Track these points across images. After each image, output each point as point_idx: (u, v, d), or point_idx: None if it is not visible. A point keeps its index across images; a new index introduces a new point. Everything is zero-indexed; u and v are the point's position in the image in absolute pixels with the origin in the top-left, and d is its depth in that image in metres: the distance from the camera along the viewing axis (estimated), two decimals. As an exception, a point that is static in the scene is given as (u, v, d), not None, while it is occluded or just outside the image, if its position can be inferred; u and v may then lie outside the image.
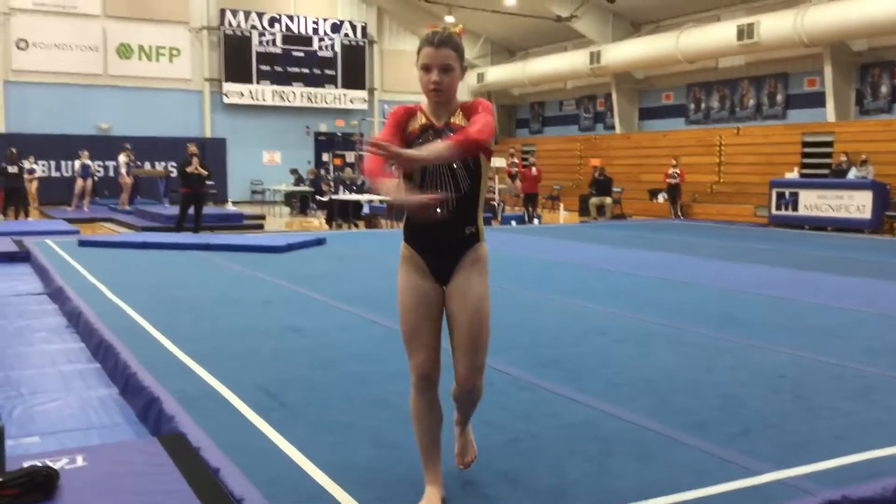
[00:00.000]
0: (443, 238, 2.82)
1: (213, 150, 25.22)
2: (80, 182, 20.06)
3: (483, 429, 3.46)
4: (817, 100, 19.35)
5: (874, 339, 5.57)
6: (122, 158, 20.48)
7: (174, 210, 16.09)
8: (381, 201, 18.79)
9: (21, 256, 10.31)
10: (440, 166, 2.75)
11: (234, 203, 23.55)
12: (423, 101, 2.89)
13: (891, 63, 18.06)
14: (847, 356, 5.02)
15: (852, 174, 17.12)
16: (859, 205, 16.11)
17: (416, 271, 2.87)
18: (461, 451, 3.08)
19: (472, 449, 3.10)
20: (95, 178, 21.73)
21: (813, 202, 16.93)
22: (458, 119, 2.81)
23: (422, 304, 2.85)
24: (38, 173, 20.26)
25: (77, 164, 20.35)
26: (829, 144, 18.70)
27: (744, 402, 4.04)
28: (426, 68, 2.75)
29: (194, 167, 14.15)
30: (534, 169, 19.59)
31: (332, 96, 27.54)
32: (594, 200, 19.96)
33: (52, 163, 23.37)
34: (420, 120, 2.84)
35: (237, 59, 26.09)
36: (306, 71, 27.13)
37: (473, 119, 2.75)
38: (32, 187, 19.23)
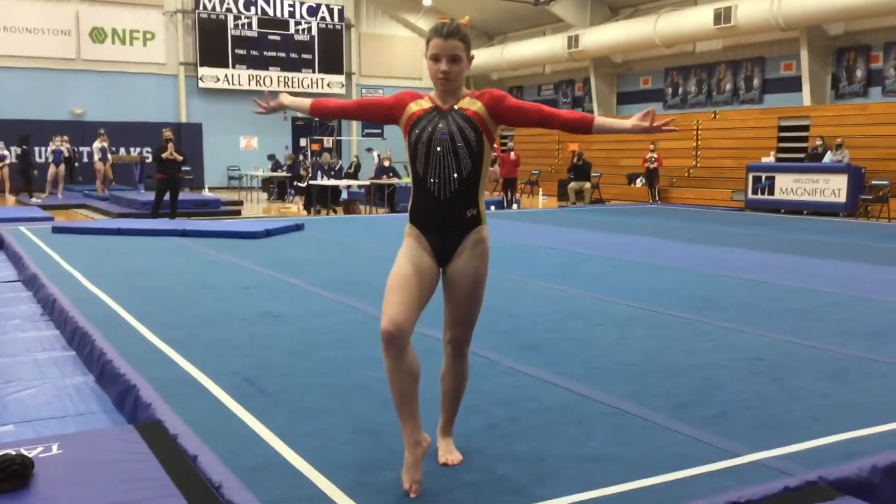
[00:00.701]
0: (445, 220, 2.90)
1: (189, 136, 25.00)
2: (52, 168, 19.81)
3: (462, 413, 3.44)
4: (794, 84, 19.47)
5: (849, 321, 5.63)
6: (97, 144, 20.24)
7: (149, 196, 15.94)
8: (359, 186, 18.74)
9: (-6, 244, 10.18)
10: (444, 149, 2.86)
11: (211, 189, 23.35)
12: (432, 92, 3.00)
13: (866, 47, 18.20)
14: (823, 338, 5.07)
15: (828, 158, 17.26)
16: (834, 188, 16.26)
17: (420, 246, 2.92)
18: (444, 451, 3.07)
19: (456, 454, 3.08)
20: (74, 164, 21.53)
21: (789, 186, 17.07)
22: (463, 104, 2.92)
23: (416, 268, 2.87)
24: (10, 159, 20.12)
25: (48, 149, 20.10)
26: (805, 129, 18.84)
27: (722, 385, 4.06)
28: (435, 58, 2.86)
29: (170, 153, 14.01)
30: (512, 154, 19.60)
31: (310, 81, 27.35)
32: (573, 185, 20.00)
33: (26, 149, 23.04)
34: (427, 103, 2.95)
35: (212, 42, 25.81)
36: (283, 55, 26.91)
37: (524, 106, 2.96)
38: (3, 174, 19.10)
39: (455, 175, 2.86)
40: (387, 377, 2.82)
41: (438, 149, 2.86)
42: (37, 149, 22.90)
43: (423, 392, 2.89)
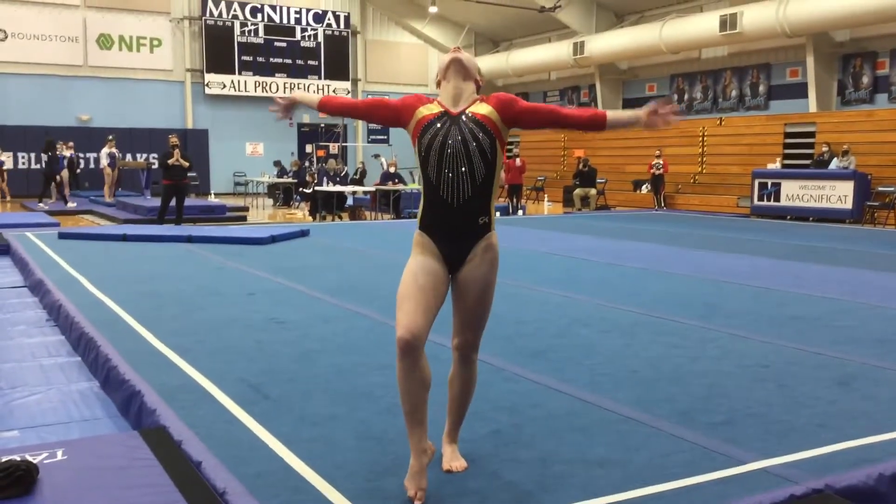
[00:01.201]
0: (458, 227, 2.88)
1: (195, 142, 25.06)
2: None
3: (467, 420, 3.44)
4: (799, 90, 19.44)
5: (856, 328, 5.61)
6: (105, 150, 20.29)
7: (155, 202, 15.97)
8: (365, 192, 18.73)
9: (0, 249, 10.20)
10: (457, 155, 2.82)
11: (217, 195, 23.38)
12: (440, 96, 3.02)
13: (872, 53, 18.16)
14: (830, 345, 5.05)
15: (834, 164, 17.22)
16: (841, 195, 16.22)
17: (430, 255, 2.89)
18: (450, 457, 3.07)
19: (461, 461, 3.06)
20: (77, 170, 21.61)
21: (795, 192, 17.02)
22: (474, 108, 2.90)
23: (428, 276, 2.85)
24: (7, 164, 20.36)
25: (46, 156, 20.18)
26: (811, 135, 18.79)
27: (728, 392, 4.05)
28: (447, 51, 3.02)
29: (176, 159, 14.03)
30: (518, 160, 19.59)
31: (316, 87, 27.39)
32: (578, 191, 19.98)
33: (32, 155, 23.12)
34: (436, 107, 2.92)
35: (219, 49, 25.88)
36: (289, 61, 26.97)
37: (537, 108, 2.96)
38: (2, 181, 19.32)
39: (468, 181, 2.83)
40: (399, 385, 2.81)
41: (451, 155, 2.82)
42: (44, 155, 22.98)
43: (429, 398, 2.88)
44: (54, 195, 20.04)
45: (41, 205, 18.79)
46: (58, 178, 19.32)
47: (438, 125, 2.86)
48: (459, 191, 2.82)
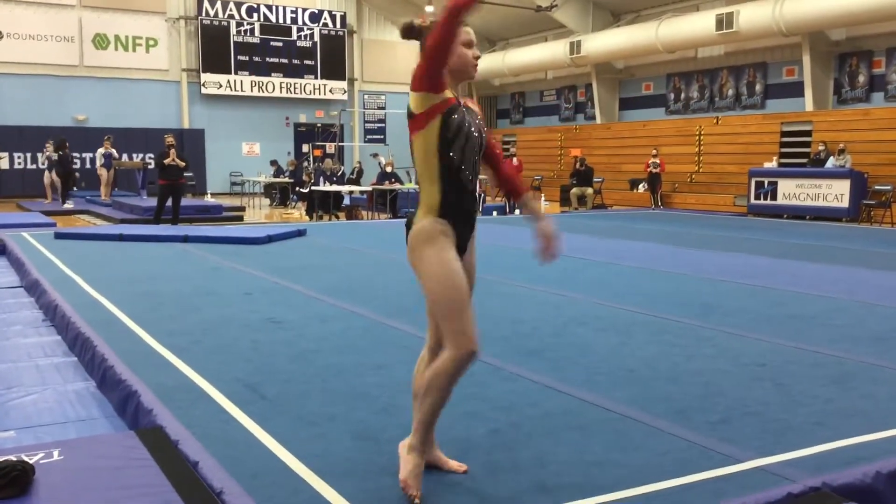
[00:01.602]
0: (471, 211, 2.93)
1: (192, 142, 25.02)
2: (47, 174, 19.83)
3: (464, 420, 3.45)
4: (796, 89, 19.46)
5: (853, 327, 5.61)
6: (101, 150, 20.25)
7: (152, 202, 15.94)
8: (362, 192, 18.69)
9: (-4, 249, 10.19)
10: (477, 141, 2.87)
11: (213, 195, 23.35)
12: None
13: (868, 52, 18.19)
14: (827, 344, 5.05)
15: (830, 163, 17.25)
16: (837, 194, 16.24)
17: (453, 244, 2.84)
18: (445, 460, 3.05)
19: (456, 462, 3.04)
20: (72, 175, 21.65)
21: (791, 191, 17.05)
22: (469, 104, 2.95)
23: (463, 273, 2.83)
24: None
25: (41, 156, 20.16)
26: (808, 134, 18.82)
27: (724, 391, 4.05)
28: (470, 44, 2.85)
29: (172, 158, 14.01)
30: (515, 159, 19.62)
31: (312, 87, 27.37)
32: (575, 191, 19.99)
33: (28, 155, 23.07)
34: (451, 93, 2.84)
35: (215, 49, 25.84)
36: (285, 61, 26.93)
37: (502, 159, 3.08)
38: None
39: (478, 168, 2.92)
40: (441, 390, 2.78)
41: (474, 140, 2.85)
42: (39, 155, 22.97)
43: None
44: (49, 196, 20.00)
45: (68, 204, 18.91)
46: (77, 175, 19.40)
47: (459, 110, 2.83)
48: (474, 176, 2.89)
